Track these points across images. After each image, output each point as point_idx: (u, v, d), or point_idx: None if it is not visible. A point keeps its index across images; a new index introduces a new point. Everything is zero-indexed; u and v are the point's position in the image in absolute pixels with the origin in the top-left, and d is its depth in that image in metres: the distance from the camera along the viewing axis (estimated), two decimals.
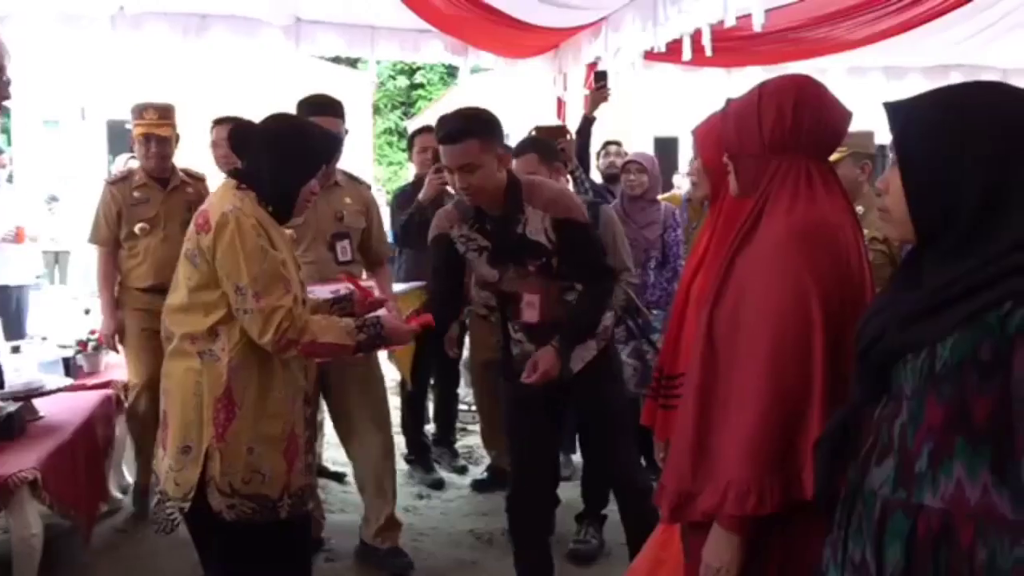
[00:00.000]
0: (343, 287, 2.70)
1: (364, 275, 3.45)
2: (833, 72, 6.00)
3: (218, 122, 3.96)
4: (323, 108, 3.24)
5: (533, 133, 4.18)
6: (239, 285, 2.17)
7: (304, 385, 2.40)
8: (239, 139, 2.33)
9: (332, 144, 2.42)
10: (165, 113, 3.84)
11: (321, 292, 2.74)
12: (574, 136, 4.33)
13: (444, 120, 2.62)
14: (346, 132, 3.30)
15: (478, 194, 2.60)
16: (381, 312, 2.54)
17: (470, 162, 2.54)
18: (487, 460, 4.62)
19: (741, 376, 1.61)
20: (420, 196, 4.00)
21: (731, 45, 5.10)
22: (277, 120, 2.35)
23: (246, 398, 2.23)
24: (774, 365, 1.56)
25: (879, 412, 1.35)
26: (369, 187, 3.66)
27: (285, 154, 2.28)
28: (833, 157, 3.16)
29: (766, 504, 1.54)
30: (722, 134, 1.84)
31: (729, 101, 1.85)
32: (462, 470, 4.66)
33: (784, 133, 1.70)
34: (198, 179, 3.97)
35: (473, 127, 2.55)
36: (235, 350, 2.22)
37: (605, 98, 4.49)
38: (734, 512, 1.55)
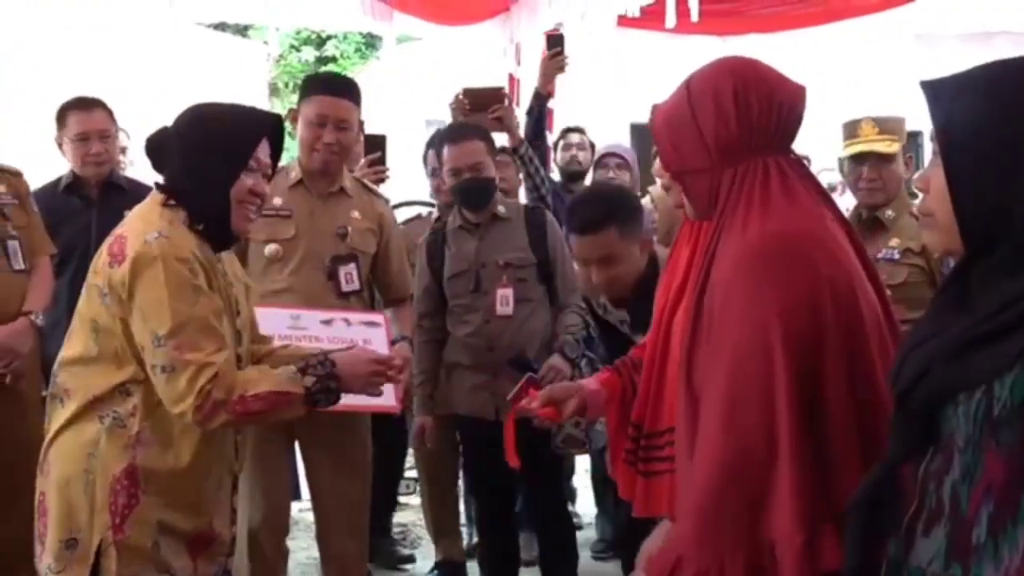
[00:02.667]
0: (339, 317, 2.68)
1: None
2: (852, 39, 6.14)
3: (72, 107, 3.80)
4: (328, 87, 3.21)
5: (460, 96, 4.19)
6: (158, 334, 2.10)
7: (236, 468, 2.36)
8: (154, 149, 2.30)
9: (259, 125, 2.32)
10: None
11: (310, 320, 2.67)
12: (520, 109, 4.36)
13: (576, 205, 2.92)
14: (361, 124, 3.29)
15: (614, 287, 2.85)
16: (335, 347, 2.43)
17: (608, 254, 2.77)
18: (427, 541, 4.56)
19: (701, 429, 1.65)
20: None
21: (726, 7, 5.19)
22: (186, 111, 2.32)
23: (152, 481, 2.16)
24: (728, 414, 1.60)
25: (924, 469, 1.37)
26: (387, 201, 3.57)
27: (196, 149, 2.24)
28: (891, 149, 3.31)
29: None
30: (659, 150, 1.86)
31: (655, 108, 1.87)
32: (405, 561, 4.56)
33: (731, 135, 1.73)
34: (12, 175, 3.60)
35: (611, 211, 2.78)
36: (150, 418, 2.16)
37: (561, 68, 4.52)
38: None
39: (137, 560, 2.16)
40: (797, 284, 1.61)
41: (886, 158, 3.29)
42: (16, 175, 3.59)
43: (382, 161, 4.01)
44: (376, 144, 4.03)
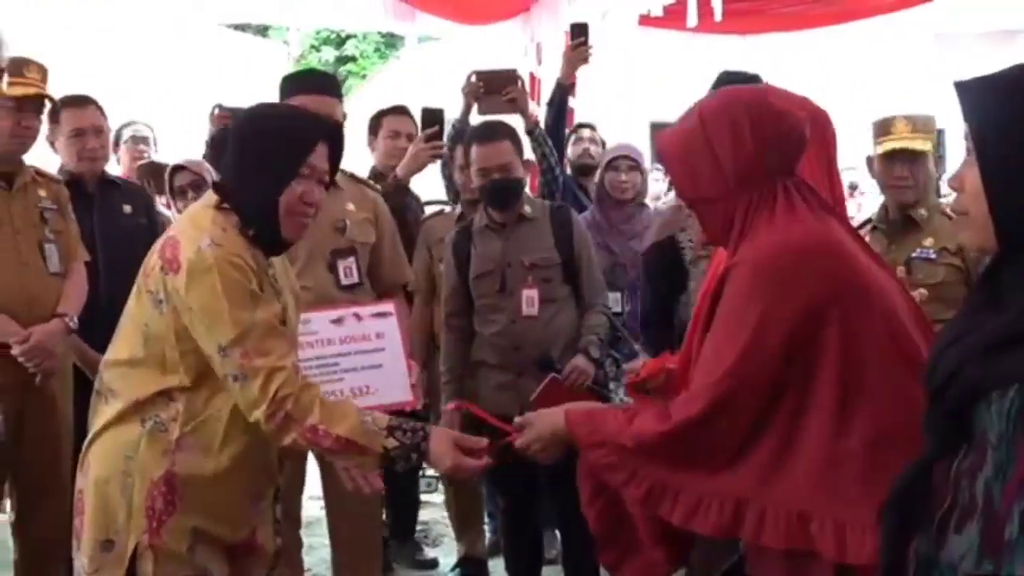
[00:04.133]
0: (348, 313, 2.70)
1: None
2: (872, 38, 6.12)
3: (66, 104, 3.72)
4: (308, 85, 3.21)
5: (473, 79, 4.18)
6: (222, 344, 2.05)
7: (279, 480, 2.33)
8: (217, 143, 2.31)
9: (314, 131, 2.22)
10: (46, 73, 3.50)
11: (319, 322, 2.68)
12: (542, 107, 4.35)
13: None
14: (344, 117, 3.24)
15: None
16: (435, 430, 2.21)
17: None
18: (449, 539, 4.56)
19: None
20: (398, 170, 3.93)
21: (747, 6, 5.18)
22: (246, 110, 2.28)
23: (190, 489, 2.13)
24: (719, 399, 1.73)
25: (957, 465, 1.38)
26: (379, 190, 3.57)
27: (246, 151, 2.18)
28: (924, 147, 3.36)
29: (629, 488, 1.81)
30: (673, 177, 1.95)
31: (660, 137, 1.92)
32: (428, 566, 4.52)
33: (748, 163, 1.79)
34: (53, 181, 3.60)
35: None
36: (191, 425, 2.13)
37: (585, 59, 4.47)
38: (590, 451, 1.86)
39: (174, 563, 2.13)
40: (791, 294, 1.69)
41: (918, 156, 3.29)
42: (57, 182, 3.60)
43: (439, 136, 3.91)
44: (433, 118, 3.92)
